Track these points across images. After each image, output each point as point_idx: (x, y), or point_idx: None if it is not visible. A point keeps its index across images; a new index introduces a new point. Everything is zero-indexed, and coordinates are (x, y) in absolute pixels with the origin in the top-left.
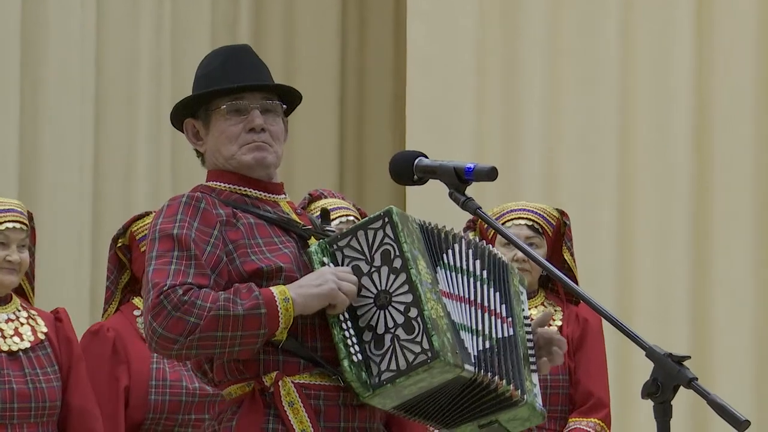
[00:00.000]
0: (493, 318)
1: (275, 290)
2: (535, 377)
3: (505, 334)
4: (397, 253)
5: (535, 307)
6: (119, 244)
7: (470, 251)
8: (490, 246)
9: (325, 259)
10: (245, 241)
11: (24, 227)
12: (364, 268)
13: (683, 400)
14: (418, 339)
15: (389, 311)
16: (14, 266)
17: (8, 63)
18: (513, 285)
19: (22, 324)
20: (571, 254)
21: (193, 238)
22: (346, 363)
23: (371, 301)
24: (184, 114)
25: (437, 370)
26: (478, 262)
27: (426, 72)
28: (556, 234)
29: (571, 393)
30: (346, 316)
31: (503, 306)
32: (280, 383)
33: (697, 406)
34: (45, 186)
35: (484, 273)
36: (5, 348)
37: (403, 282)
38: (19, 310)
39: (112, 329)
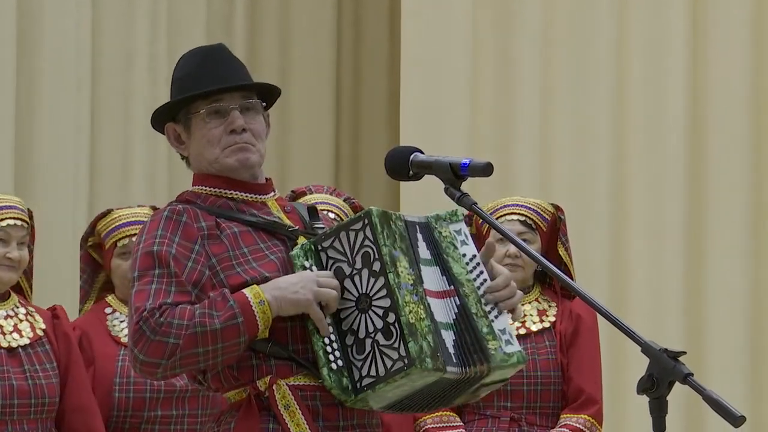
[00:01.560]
0: (448, 300)
1: (249, 293)
2: (500, 322)
3: (457, 311)
4: (376, 256)
5: (529, 302)
6: (90, 243)
7: (421, 236)
8: (422, 217)
9: (307, 263)
10: (229, 253)
11: (25, 225)
12: (347, 270)
13: (678, 395)
14: (396, 345)
15: (369, 315)
16: (14, 263)
17: (3, 62)
18: (443, 239)
19: (21, 320)
20: (566, 249)
21: (173, 254)
22: (325, 371)
23: (353, 304)
24: (165, 119)
25: (416, 376)
26: (425, 243)
27: (420, 70)
28: (551, 229)
29: (563, 389)
30: (328, 321)
31: (444, 277)
32: (274, 387)
33: (692, 402)
34: (41, 184)
35: (428, 253)
36: (5, 344)
37: (382, 286)
38: (18, 307)
39: (78, 328)
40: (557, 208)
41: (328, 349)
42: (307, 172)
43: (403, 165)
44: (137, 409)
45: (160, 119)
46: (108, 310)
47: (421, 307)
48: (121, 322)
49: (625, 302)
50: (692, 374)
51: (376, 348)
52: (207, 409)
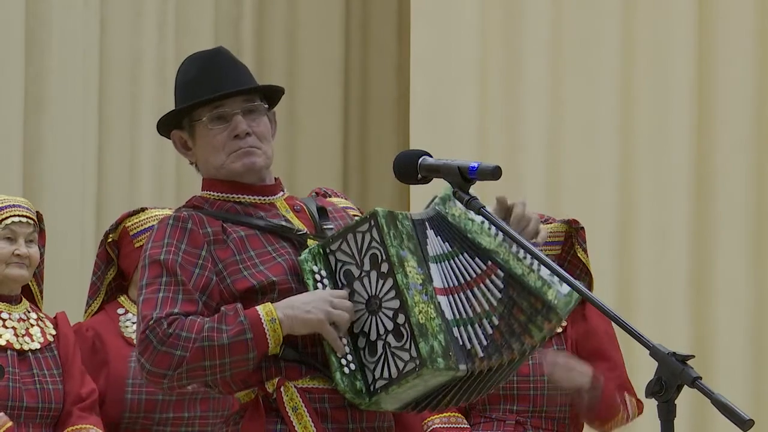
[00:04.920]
0: (484, 286)
1: (262, 311)
2: (543, 272)
3: (502, 286)
4: (384, 257)
5: None
6: (109, 240)
7: (433, 231)
8: (431, 211)
9: (315, 267)
10: (236, 257)
11: (30, 221)
12: (355, 272)
13: (685, 398)
14: (407, 346)
15: (380, 317)
16: (23, 260)
17: (12, 63)
18: (458, 219)
19: (32, 325)
20: (584, 251)
21: (180, 262)
22: (337, 376)
23: (363, 307)
24: (170, 126)
25: (428, 376)
26: (439, 238)
27: (429, 72)
28: (565, 244)
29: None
30: (341, 334)
31: (480, 260)
32: (282, 389)
33: (699, 405)
34: (49, 186)
35: (447, 245)
36: (17, 347)
37: (390, 287)
38: (29, 311)
39: (91, 329)
40: (570, 222)
41: (339, 354)
42: (315, 174)
43: (412, 168)
44: (149, 411)
45: (166, 127)
46: (120, 311)
47: (431, 306)
48: (133, 323)
49: (631, 306)
50: (701, 378)
51: (387, 350)
52: (218, 411)
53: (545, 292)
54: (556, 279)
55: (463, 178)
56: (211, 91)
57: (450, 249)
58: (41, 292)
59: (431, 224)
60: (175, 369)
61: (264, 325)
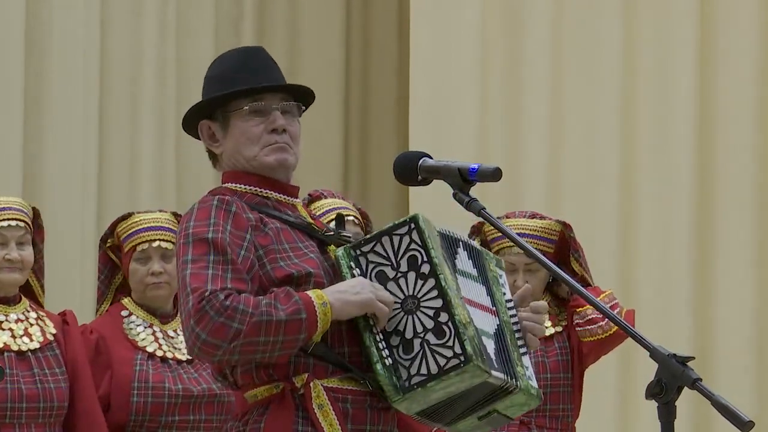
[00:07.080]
0: (487, 314)
1: (313, 294)
2: (525, 359)
3: (496, 328)
4: (425, 259)
5: None
6: (108, 245)
7: (466, 253)
8: (468, 239)
9: (352, 264)
10: (274, 246)
11: (21, 224)
12: (390, 273)
13: (685, 400)
14: (450, 343)
15: (417, 316)
16: (15, 264)
17: (12, 64)
18: (490, 270)
19: (31, 324)
20: (580, 263)
21: (228, 242)
22: (378, 366)
23: (398, 306)
24: (200, 116)
25: (468, 375)
26: (471, 261)
27: (429, 73)
28: (559, 246)
29: (572, 386)
30: (372, 322)
31: (489, 297)
32: (311, 385)
33: (700, 406)
34: (49, 186)
35: (475, 270)
36: (15, 348)
37: (432, 287)
38: (29, 311)
39: (95, 331)
40: (564, 225)
41: (380, 345)
42: (315, 176)
43: (412, 170)
44: (155, 414)
45: (195, 117)
46: (124, 313)
47: (466, 311)
48: (138, 326)
49: (631, 306)
50: (701, 379)
51: (426, 347)
52: (221, 414)
53: (517, 365)
54: (529, 373)
55: (463, 179)
56: (254, 83)
57: (477, 274)
58: (42, 286)
59: (464, 246)
60: (230, 341)
61: (316, 308)
